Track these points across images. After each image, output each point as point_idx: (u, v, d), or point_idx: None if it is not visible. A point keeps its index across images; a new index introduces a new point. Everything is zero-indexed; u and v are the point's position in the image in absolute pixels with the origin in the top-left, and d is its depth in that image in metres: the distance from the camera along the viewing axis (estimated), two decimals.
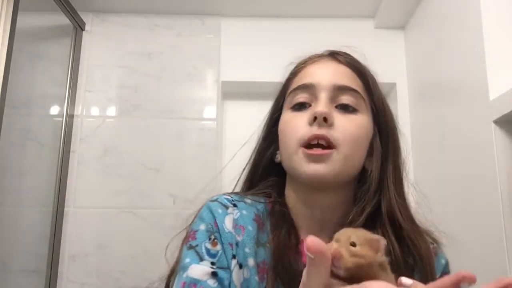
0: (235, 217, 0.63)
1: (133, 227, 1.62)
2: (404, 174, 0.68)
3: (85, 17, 1.79)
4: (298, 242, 0.62)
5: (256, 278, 0.58)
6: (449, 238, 0.71)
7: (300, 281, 0.38)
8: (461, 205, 1.26)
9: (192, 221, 0.64)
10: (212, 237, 0.60)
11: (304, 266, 0.37)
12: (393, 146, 0.66)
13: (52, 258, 1.57)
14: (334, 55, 0.69)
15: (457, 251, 1.27)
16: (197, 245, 0.60)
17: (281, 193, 0.69)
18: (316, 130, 0.60)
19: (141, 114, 1.74)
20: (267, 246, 0.60)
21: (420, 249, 0.59)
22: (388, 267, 0.40)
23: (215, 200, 0.65)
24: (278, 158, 0.68)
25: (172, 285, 0.60)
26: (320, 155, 0.60)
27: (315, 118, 0.60)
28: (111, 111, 1.75)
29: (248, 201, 0.66)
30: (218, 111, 1.75)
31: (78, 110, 1.74)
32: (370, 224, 0.60)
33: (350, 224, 0.59)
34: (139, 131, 1.72)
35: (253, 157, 0.72)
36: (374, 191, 0.62)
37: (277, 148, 0.69)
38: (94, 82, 1.76)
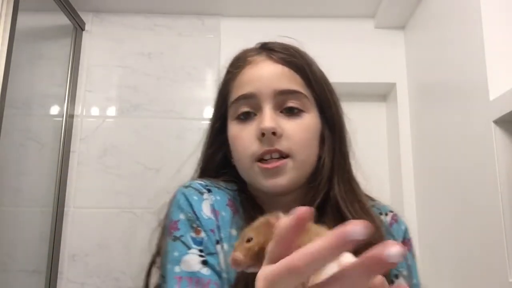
0: (211, 203, 0.63)
1: (133, 227, 1.62)
2: (351, 155, 0.68)
3: (85, 17, 1.79)
4: None
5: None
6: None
7: None
8: (461, 205, 1.26)
9: (168, 210, 0.64)
10: (194, 225, 0.60)
11: None
12: (339, 133, 0.67)
13: (52, 258, 1.57)
14: (269, 53, 0.66)
15: (457, 251, 1.27)
16: (181, 236, 0.60)
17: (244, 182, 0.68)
18: (266, 146, 0.60)
19: (141, 114, 1.74)
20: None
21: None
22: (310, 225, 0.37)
23: (189, 186, 0.64)
24: (233, 162, 0.67)
25: (164, 277, 0.59)
26: (276, 168, 0.60)
27: (263, 134, 0.60)
28: (111, 111, 1.75)
29: (222, 186, 0.66)
30: None
31: (78, 110, 1.74)
32: (321, 211, 0.61)
33: None
34: (139, 131, 1.72)
35: (201, 164, 0.72)
36: (325, 181, 0.63)
37: (227, 152, 0.68)
38: (94, 82, 1.76)
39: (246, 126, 0.63)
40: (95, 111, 1.75)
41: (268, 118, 0.60)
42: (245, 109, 0.64)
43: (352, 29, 1.82)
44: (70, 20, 1.70)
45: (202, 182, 0.65)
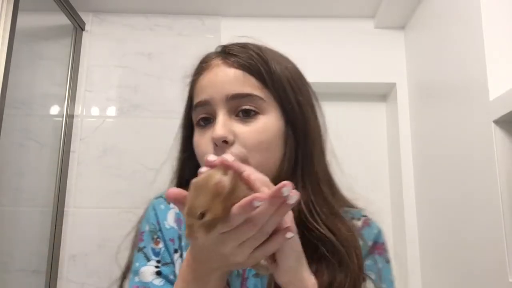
0: (177, 211, 0.66)
1: (133, 227, 1.61)
2: (323, 155, 0.66)
3: (85, 17, 1.79)
4: None
5: None
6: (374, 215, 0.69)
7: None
8: (461, 205, 1.26)
9: (140, 221, 0.69)
10: (155, 236, 0.65)
11: None
12: (303, 133, 0.64)
13: (52, 258, 1.57)
14: (224, 57, 0.66)
15: (457, 251, 1.27)
16: (144, 247, 0.65)
17: None
18: (219, 154, 0.60)
19: (141, 114, 1.74)
20: None
21: (336, 235, 0.58)
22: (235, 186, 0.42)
23: (160, 197, 0.69)
24: None
25: None
26: None
27: (215, 143, 0.60)
28: (111, 111, 1.75)
29: None
30: None
31: (78, 110, 1.74)
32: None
33: None
34: (139, 131, 1.72)
35: (178, 171, 0.72)
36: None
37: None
38: (94, 82, 1.76)
39: (205, 132, 0.63)
40: (95, 111, 1.75)
41: (219, 126, 0.60)
42: (202, 115, 0.64)
43: (352, 29, 1.82)
44: (70, 20, 1.70)
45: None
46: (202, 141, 0.63)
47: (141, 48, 1.80)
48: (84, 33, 1.80)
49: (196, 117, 0.65)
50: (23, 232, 1.58)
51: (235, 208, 0.41)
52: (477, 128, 1.15)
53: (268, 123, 0.62)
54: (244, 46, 0.67)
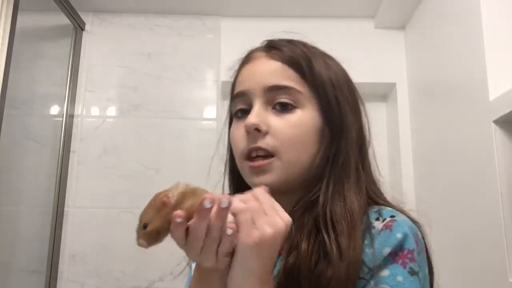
0: None
1: (133, 227, 1.61)
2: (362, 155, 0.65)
3: (85, 17, 1.79)
4: None
5: None
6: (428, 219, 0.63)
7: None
8: (461, 204, 1.26)
9: None
10: None
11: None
12: (340, 132, 0.62)
13: (52, 258, 1.57)
14: (267, 50, 0.66)
15: (457, 251, 1.27)
16: None
17: None
18: (251, 143, 0.60)
19: (141, 114, 1.74)
20: None
21: (340, 244, 0.54)
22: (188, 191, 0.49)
23: None
24: None
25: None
26: (261, 166, 0.59)
27: (248, 131, 0.60)
28: (111, 111, 1.75)
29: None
30: (218, 111, 1.75)
31: (78, 110, 1.74)
32: (308, 214, 0.58)
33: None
34: (139, 131, 1.72)
35: (227, 163, 0.72)
36: (314, 181, 0.60)
37: None
38: (94, 82, 1.76)
39: (240, 123, 0.63)
40: (95, 111, 1.75)
41: (253, 114, 0.60)
42: (240, 106, 0.64)
43: (352, 29, 1.82)
44: (70, 20, 1.70)
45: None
46: (237, 131, 0.63)
47: (141, 48, 1.80)
48: (84, 33, 1.80)
49: (234, 108, 0.65)
50: (23, 232, 1.58)
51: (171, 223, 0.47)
52: (477, 128, 1.15)
53: (304, 118, 0.61)
54: (289, 41, 0.67)
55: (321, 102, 0.63)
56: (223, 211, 0.46)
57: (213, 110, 1.74)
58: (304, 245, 0.55)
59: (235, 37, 1.81)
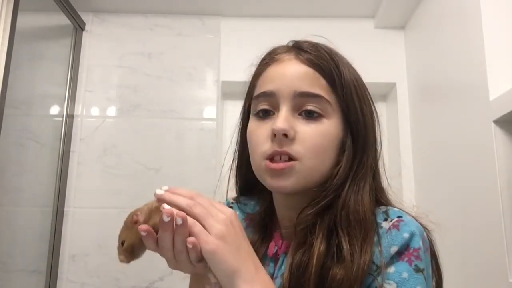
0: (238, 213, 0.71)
1: None
2: (377, 167, 0.65)
3: (85, 17, 1.79)
4: (266, 249, 0.66)
5: None
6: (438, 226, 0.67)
7: None
8: (461, 204, 1.26)
9: None
10: None
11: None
12: (362, 143, 0.63)
13: (52, 258, 1.57)
14: (297, 53, 0.65)
15: (457, 251, 1.27)
16: None
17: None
18: (277, 147, 0.59)
19: (141, 114, 1.74)
20: None
21: (352, 251, 0.56)
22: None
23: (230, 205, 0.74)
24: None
25: None
26: (281, 169, 0.59)
27: (275, 135, 0.59)
28: (111, 111, 1.75)
29: (243, 202, 0.74)
30: (218, 111, 1.75)
31: (78, 110, 1.74)
32: (321, 219, 0.59)
33: (298, 219, 0.60)
34: (139, 131, 1.72)
35: (235, 162, 0.72)
36: (334, 190, 0.60)
37: None
38: (94, 82, 1.76)
39: (263, 124, 0.62)
40: (95, 111, 1.75)
41: (282, 119, 0.59)
42: (264, 106, 0.63)
43: (352, 29, 1.82)
44: (70, 20, 1.70)
45: (229, 201, 0.75)
46: (259, 131, 0.62)
47: (141, 48, 1.80)
48: (84, 33, 1.80)
49: (256, 106, 0.64)
50: (23, 232, 1.58)
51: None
52: (477, 128, 1.15)
53: (330, 128, 0.61)
54: (316, 45, 0.66)
55: (346, 114, 0.63)
56: (180, 228, 0.50)
57: (213, 110, 1.74)
58: (317, 245, 0.56)
59: (235, 37, 1.81)
